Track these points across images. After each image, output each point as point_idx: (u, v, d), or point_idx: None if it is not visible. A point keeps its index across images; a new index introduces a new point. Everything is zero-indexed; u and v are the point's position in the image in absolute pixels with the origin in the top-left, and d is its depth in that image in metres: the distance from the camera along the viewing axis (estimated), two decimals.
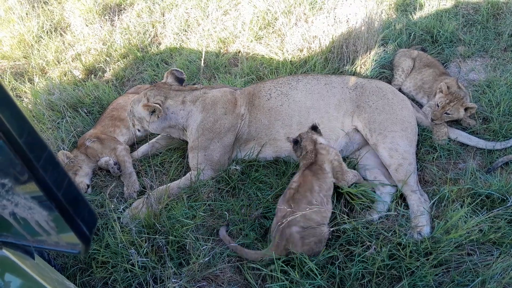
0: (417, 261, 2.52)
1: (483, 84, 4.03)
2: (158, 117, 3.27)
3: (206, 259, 2.67)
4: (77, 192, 0.85)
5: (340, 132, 3.34)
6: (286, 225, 2.55)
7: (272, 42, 4.75)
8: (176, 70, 3.60)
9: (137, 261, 2.58)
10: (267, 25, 4.92)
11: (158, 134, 3.73)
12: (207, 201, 3.08)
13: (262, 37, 4.86)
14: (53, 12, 5.83)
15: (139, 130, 3.51)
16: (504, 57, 4.42)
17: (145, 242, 2.70)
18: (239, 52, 4.81)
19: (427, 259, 2.53)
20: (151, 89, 3.39)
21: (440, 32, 4.69)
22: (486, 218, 2.70)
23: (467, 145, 3.49)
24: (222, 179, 3.26)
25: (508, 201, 2.81)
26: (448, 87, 3.56)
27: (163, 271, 2.61)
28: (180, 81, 3.56)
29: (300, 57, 4.41)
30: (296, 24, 4.74)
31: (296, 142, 3.01)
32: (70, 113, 4.01)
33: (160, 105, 3.23)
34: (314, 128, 3.03)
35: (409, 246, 2.56)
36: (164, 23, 5.38)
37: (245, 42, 4.83)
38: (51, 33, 5.43)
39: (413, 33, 4.72)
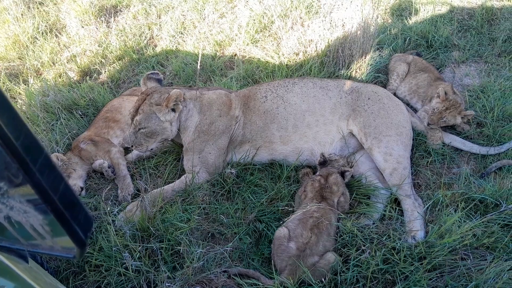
0: (411, 266, 2.53)
1: (477, 89, 4.06)
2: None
3: (200, 263, 2.66)
4: (73, 196, 0.84)
5: (336, 135, 3.35)
6: (309, 254, 2.57)
7: (268, 45, 4.76)
8: (152, 73, 3.49)
9: (131, 265, 2.56)
10: (263, 29, 4.93)
11: None
12: (202, 204, 3.07)
13: (258, 41, 4.86)
14: (48, 13, 5.80)
15: (152, 149, 3.36)
16: (498, 63, 4.47)
17: (139, 245, 2.68)
18: (235, 55, 4.81)
19: (421, 264, 2.54)
20: (153, 93, 3.19)
21: (435, 37, 4.73)
22: (480, 223, 2.72)
23: (461, 150, 3.52)
24: (217, 182, 3.26)
25: (502, 206, 2.82)
26: (445, 93, 3.58)
27: (156, 275, 2.60)
28: (159, 81, 3.48)
29: (296, 61, 4.42)
30: (292, 27, 4.75)
31: (323, 163, 3.14)
32: (65, 115, 3.99)
33: (179, 101, 3.20)
34: (342, 173, 3.07)
35: (403, 250, 2.57)
36: (160, 25, 5.37)
37: (241, 45, 4.84)
38: (47, 34, 5.40)
39: (408, 38, 4.75)
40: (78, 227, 0.83)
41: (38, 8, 5.84)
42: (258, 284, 2.55)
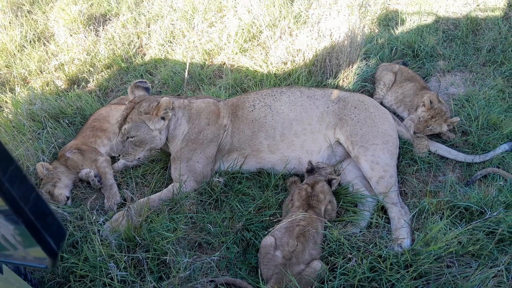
0: (398, 274, 2.54)
1: (462, 98, 4.12)
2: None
3: (187, 272, 2.63)
4: (45, 206, 0.83)
5: (323, 144, 3.37)
6: (295, 262, 2.56)
7: (256, 54, 4.78)
8: (139, 81, 3.46)
9: (116, 275, 2.53)
10: (252, 38, 4.97)
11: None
12: (189, 213, 3.05)
13: (247, 50, 4.89)
14: (36, 21, 5.79)
15: (139, 159, 3.31)
16: (483, 72, 4.54)
17: (125, 255, 2.65)
18: (224, 64, 4.83)
19: (407, 271, 2.54)
20: (142, 102, 3.17)
21: (421, 46, 4.80)
22: (465, 230, 2.74)
23: (447, 158, 3.55)
24: (205, 191, 3.24)
25: (486, 213, 2.85)
26: (431, 102, 3.63)
27: (142, 285, 2.57)
28: (147, 90, 3.46)
29: (284, 70, 4.45)
30: (280, 37, 4.79)
31: (310, 171, 3.16)
32: (51, 123, 3.96)
33: (168, 110, 3.18)
34: (329, 181, 3.09)
35: (389, 258, 2.57)
36: (149, 34, 5.38)
37: (230, 54, 4.86)
38: (34, 43, 5.38)
39: (394, 47, 4.81)
40: (50, 238, 0.82)
41: (26, 16, 5.82)
42: None
